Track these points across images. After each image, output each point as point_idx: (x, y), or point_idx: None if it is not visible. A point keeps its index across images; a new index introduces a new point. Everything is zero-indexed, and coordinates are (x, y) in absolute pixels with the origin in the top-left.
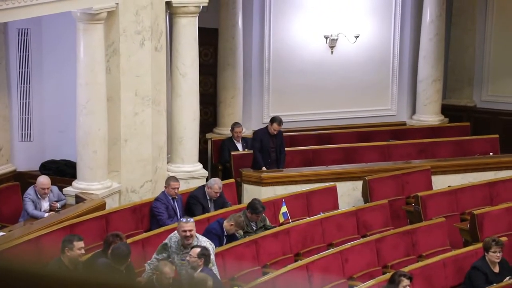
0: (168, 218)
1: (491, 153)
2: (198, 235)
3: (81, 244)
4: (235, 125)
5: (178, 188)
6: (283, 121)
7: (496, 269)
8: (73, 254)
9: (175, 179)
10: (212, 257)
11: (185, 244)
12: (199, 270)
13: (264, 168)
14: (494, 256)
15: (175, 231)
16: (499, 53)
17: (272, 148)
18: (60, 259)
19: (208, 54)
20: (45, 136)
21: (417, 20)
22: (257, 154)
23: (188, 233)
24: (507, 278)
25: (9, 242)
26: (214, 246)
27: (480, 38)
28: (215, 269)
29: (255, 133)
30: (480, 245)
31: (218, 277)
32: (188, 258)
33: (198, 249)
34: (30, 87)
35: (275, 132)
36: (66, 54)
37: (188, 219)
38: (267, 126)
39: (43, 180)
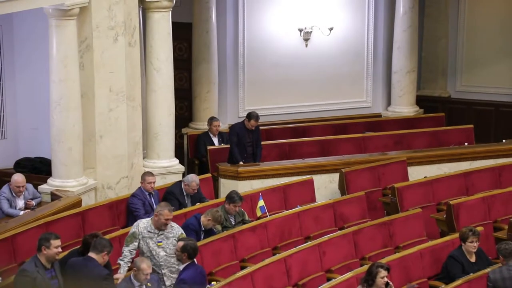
0: (145, 213)
1: (466, 143)
2: (174, 223)
3: (58, 242)
4: (213, 119)
5: (154, 182)
6: (259, 114)
7: (473, 259)
8: (50, 252)
9: (150, 174)
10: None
11: (162, 229)
12: (185, 264)
13: (241, 163)
14: (471, 246)
15: (140, 220)
16: (472, 43)
17: (249, 142)
18: (36, 257)
19: (183, 48)
20: (19, 134)
21: (390, 12)
22: (234, 148)
23: (169, 222)
24: None
25: None
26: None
27: (453, 29)
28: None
29: (232, 127)
30: (456, 235)
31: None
32: (174, 251)
33: (182, 243)
34: (2, 84)
35: (253, 128)
36: (39, 50)
37: (166, 207)
38: (243, 121)
39: (18, 178)
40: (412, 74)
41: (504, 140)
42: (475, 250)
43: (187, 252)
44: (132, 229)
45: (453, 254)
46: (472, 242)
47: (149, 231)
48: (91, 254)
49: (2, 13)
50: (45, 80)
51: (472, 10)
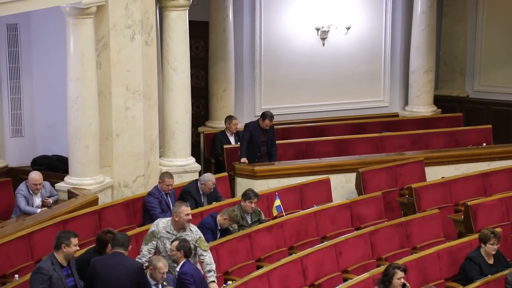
0: (161, 212)
1: (484, 144)
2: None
3: (77, 240)
4: (232, 117)
5: (172, 184)
6: (275, 113)
7: (491, 261)
8: (70, 250)
9: (170, 175)
10: (205, 243)
11: (185, 226)
12: (181, 262)
13: (243, 160)
14: (492, 248)
15: (160, 219)
16: (491, 43)
17: (263, 141)
18: (53, 255)
19: (199, 47)
20: (36, 132)
21: (408, 11)
22: (244, 144)
23: (190, 216)
24: None
25: (1, 238)
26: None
27: (471, 28)
28: (209, 253)
29: (246, 125)
30: (474, 236)
31: (210, 261)
32: (169, 252)
33: (176, 242)
34: (20, 83)
35: (267, 127)
36: (56, 49)
37: (186, 204)
38: (258, 120)
39: (35, 175)
40: (430, 74)
41: None
42: (494, 252)
43: (183, 250)
44: (152, 227)
45: (471, 255)
46: (493, 244)
47: (167, 232)
48: (119, 250)
49: (19, 11)
50: (62, 78)
51: (490, 10)
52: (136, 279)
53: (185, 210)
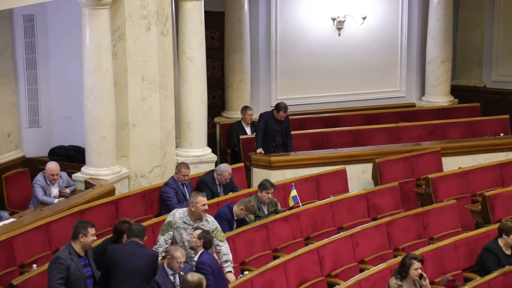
0: (178, 203)
1: (501, 134)
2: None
3: (94, 230)
4: (247, 108)
5: (188, 175)
6: (291, 104)
7: (509, 251)
8: (87, 240)
9: (186, 165)
10: (221, 233)
11: (201, 217)
12: (199, 252)
13: (259, 150)
14: None
15: (176, 209)
16: (508, 32)
17: (278, 132)
18: (70, 245)
19: (215, 37)
20: (53, 122)
21: (424, 1)
22: (259, 134)
23: (206, 207)
24: None
25: (19, 228)
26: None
27: (488, 18)
28: (226, 243)
29: (261, 115)
30: (492, 226)
31: (227, 251)
32: (189, 238)
33: (199, 231)
34: (36, 73)
35: (282, 119)
36: (72, 39)
37: (204, 194)
38: (273, 110)
39: (52, 166)
40: (447, 64)
41: None
42: None
43: (203, 239)
44: (168, 218)
45: (489, 246)
46: None
47: (184, 222)
48: (135, 240)
49: (36, 2)
50: (78, 68)
51: None
52: (151, 267)
53: (202, 200)
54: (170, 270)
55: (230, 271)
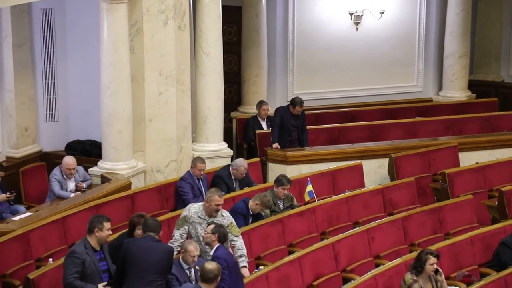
0: (193, 197)
1: None
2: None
3: (109, 225)
4: (262, 103)
5: (204, 169)
6: (307, 98)
7: None
8: (103, 235)
9: (202, 160)
10: (236, 228)
11: (213, 215)
12: (215, 246)
13: (276, 145)
14: None
15: (192, 204)
16: None
17: (294, 126)
18: (86, 239)
19: (232, 32)
20: (70, 116)
21: None
22: (275, 129)
23: (220, 207)
24: None
25: (36, 222)
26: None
27: (507, 12)
28: (240, 238)
29: (277, 109)
30: (508, 222)
31: (242, 246)
32: (203, 234)
33: (212, 226)
34: (54, 68)
35: (298, 113)
36: (90, 34)
37: (219, 193)
38: (289, 105)
39: (69, 160)
40: (465, 59)
41: None
42: None
43: (217, 234)
44: (184, 212)
45: (506, 240)
46: None
47: (199, 217)
48: (151, 234)
49: None
50: (96, 63)
51: None
52: (168, 262)
53: (217, 200)
54: (185, 264)
55: (245, 266)
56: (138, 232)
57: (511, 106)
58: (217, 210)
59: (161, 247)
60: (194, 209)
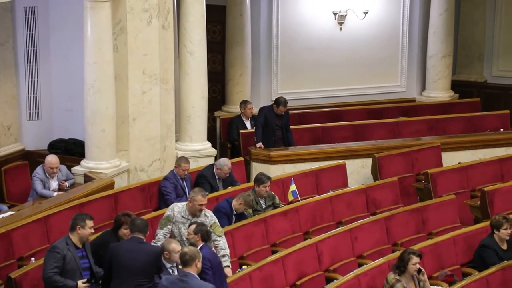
0: (176, 197)
1: (501, 129)
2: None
3: (92, 223)
4: (246, 102)
5: (188, 169)
6: (291, 98)
7: (504, 246)
8: (85, 232)
9: (186, 160)
10: (219, 228)
11: (197, 215)
12: (199, 246)
13: (259, 144)
14: (505, 233)
15: (176, 203)
16: (510, 27)
17: (277, 126)
18: (68, 236)
19: (216, 31)
20: (53, 115)
21: None
22: (259, 129)
23: (203, 207)
24: None
25: (18, 221)
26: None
27: (490, 12)
28: (223, 238)
29: (261, 109)
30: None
31: (224, 246)
32: (187, 235)
33: (194, 225)
34: (37, 66)
35: (282, 113)
36: (73, 32)
37: (203, 193)
38: (273, 105)
39: (52, 159)
40: (448, 59)
41: None
42: (508, 237)
43: (200, 233)
44: (167, 212)
45: (486, 242)
46: (506, 229)
47: (182, 216)
48: (138, 235)
49: None
50: (79, 62)
51: None
52: (157, 264)
53: (201, 200)
54: (168, 263)
55: (228, 266)
56: (124, 231)
57: (493, 106)
58: (201, 210)
59: (148, 249)
60: (177, 208)
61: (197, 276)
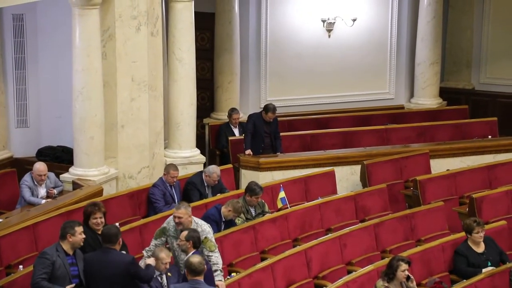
0: (165, 205)
1: (489, 136)
2: (196, 219)
3: (81, 229)
4: (233, 111)
5: (177, 176)
6: (280, 105)
7: (480, 249)
8: (76, 239)
9: (175, 167)
10: (213, 240)
11: (177, 229)
12: (191, 253)
13: (248, 152)
14: (477, 236)
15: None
16: (497, 35)
17: (266, 133)
18: (58, 243)
19: (205, 38)
20: (42, 122)
21: (415, 3)
22: (248, 136)
23: (177, 220)
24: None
25: (6, 229)
26: (211, 230)
27: (478, 20)
28: (216, 253)
29: (250, 116)
30: None
31: (217, 261)
32: (178, 241)
33: (186, 232)
34: (25, 73)
35: (271, 120)
36: (62, 39)
37: (181, 206)
38: (261, 112)
39: (40, 166)
40: (436, 66)
41: None
42: (481, 239)
43: (192, 240)
44: (164, 224)
45: (458, 249)
46: (478, 232)
47: (174, 232)
48: (108, 246)
49: (26, 2)
50: (68, 69)
51: (497, 1)
52: (127, 273)
53: (174, 212)
54: (156, 271)
55: (220, 280)
56: (93, 221)
57: (481, 113)
58: (178, 224)
59: (116, 260)
60: (173, 222)
61: (204, 283)
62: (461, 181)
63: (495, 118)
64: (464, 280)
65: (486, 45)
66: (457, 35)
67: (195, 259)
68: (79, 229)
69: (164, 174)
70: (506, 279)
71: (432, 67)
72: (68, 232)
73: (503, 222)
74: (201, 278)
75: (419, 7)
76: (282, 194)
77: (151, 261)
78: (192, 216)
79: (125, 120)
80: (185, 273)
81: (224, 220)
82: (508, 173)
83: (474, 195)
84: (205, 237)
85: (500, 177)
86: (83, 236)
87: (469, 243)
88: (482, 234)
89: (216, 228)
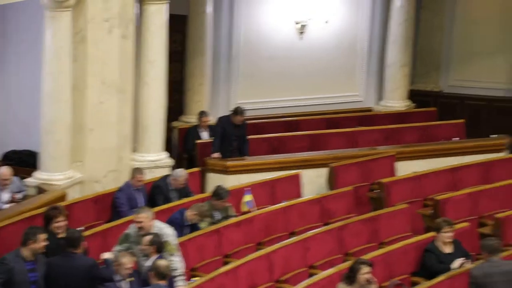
0: (130, 209)
1: (454, 138)
2: (157, 222)
3: (44, 236)
4: (202, 114)
5: (142, 180)
6: (250, 108)
7: (448, 250)
8: (37, 246)
9: (140, 171)
10: (174, 243)
11: (140, 233)
12: (153, 257)
13: (216, 154)
14: (446, 236)
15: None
16: (467, 37)
17: (235, 137)
18: (18, 250)
19: (177, 41)
20: (7, 126)
21: (387, 5)
22: (217, 139)
23: (138, 224)
24: (460, 260)
25: None
26: (174, 233)
27: (448, 21)
28: (176, 257)
29: (219, 119)
30: None
31: (178, 266)
32: (141, 246)
33: (150, 237)
34: None
35: (240, 123)
36: (29, 42)
37: (141, 211)
38: (230, 115)
39: (4, 170)
40: (406, 68)
41: (493, 135)
42: (450, 240)
43: (156, 245)
44: (127, 230)
45: (428, 247)
46: (446, 232)
47: (136, 237)
48: (70, 250)
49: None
50: (35, 71)
51: (469, 2)
52: (89, 276)
53: (135, 217)
54: (118, 276)
55: (181, 285)
56: (56, 225)
57: (450, 116)
58: (138, 228)
59: (78, 264)
60: (135, 228)
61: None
62: (425, 183)
63: (463, 121)
64: (425, 282)
65: (455, 47)
66: (429, 37)
67: (163, 262)
68: (42, 236)
69: (130, 178)
70: (465, 281)
71: (402, 69)
72: (30, 239)
73: (465, 224)
74: (164, 283)
75: (391, 9)
76: (247, 197)
77: (107, 255)
78: (154, 220)
79: (93, 123)
80: (145, 278)
81: (187, 224)
82: (472, 175)
83: (437, 197)
84: (166, 241)
85: (464, 179)
86: (45, 243)
87: (437, 243)
88: (450, 235)
89: (180, 232)
